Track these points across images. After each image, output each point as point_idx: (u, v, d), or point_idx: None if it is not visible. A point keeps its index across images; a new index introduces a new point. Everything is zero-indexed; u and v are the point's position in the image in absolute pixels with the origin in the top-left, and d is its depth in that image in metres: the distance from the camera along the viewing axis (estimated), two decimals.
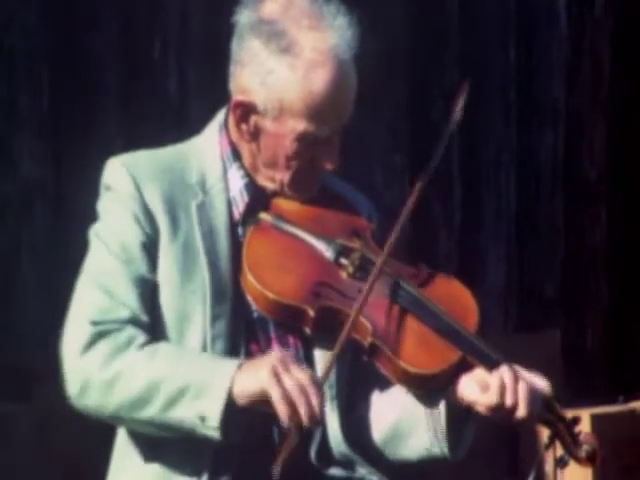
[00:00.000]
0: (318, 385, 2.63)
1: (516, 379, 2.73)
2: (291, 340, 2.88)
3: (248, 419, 2.68)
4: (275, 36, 2.80)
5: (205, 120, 2.98)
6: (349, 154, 2.90)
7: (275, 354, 2.69)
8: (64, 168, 3.62)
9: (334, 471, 2.87)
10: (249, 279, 2.80)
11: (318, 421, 2.64)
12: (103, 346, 2.72)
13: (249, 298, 2.83)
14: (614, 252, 5.17)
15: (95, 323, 2.73)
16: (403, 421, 2.88)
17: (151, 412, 2.70)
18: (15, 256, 3.63)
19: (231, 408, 2.65)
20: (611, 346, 5.04)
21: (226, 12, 2.85)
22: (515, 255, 4.85)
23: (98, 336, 2.72)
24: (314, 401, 2.61)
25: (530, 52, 4.97)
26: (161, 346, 2.76)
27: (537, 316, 4.79)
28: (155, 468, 2.79)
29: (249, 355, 2.83)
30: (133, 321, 2.76)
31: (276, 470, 2.61)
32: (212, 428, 2.66)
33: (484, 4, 4.88)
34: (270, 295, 2.78)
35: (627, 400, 4.14)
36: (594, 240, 5.08)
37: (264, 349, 2.85)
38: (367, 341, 2.76)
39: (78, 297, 2.81)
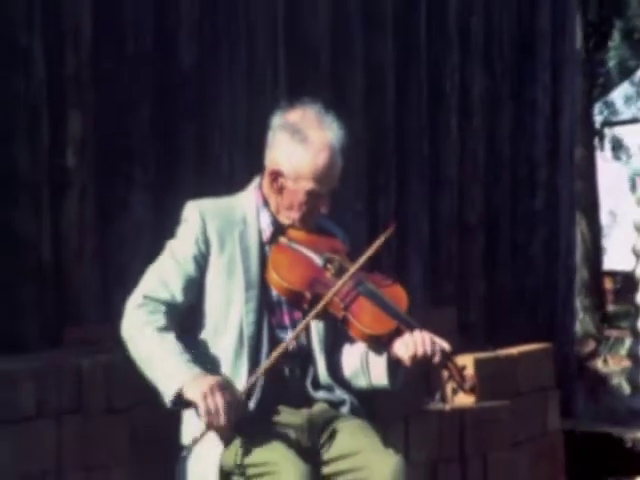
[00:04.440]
0: (229, 404, 2.58)
1: (424, 337, 2.73)
2: (295, 314, 2.83)
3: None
4: (297, 132, 2.83)
5: (244, 184, 2.98)
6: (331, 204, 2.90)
7: (213, 380, 2.61)
8: (162, 214, 3.52)
9: (321, 393, 2.83)
10: (273, 275, 2.78)
11: (223, 428, 2.61)
12: (143, 313, 2.70)
13: (272, 287, 2.81)
14: (488, 265, 5.10)
15: (145, 297, 2.72)
16: (359, 366, 2.85)
17: (147, 373, 2.67)
18: (131, 273, 3.59)
19: (179, 397, 2.61)
20: (485, 319, 5.00)
21: (261, 117, 2.89)
22: (428, 265, 4.78)
23: (144, 305, 2.71)
24: (219, 419, 2.57)
25: (435, 146, 4.90)
26: (168, 336, 2.69)
27: (441, 299, 4.72)
28: None
29: (270, 323, 2.81)
30: (169, 302, 2.73)
31: (192, 444, 2.61)
32: (166, 404, 2.64)
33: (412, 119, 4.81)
34: (285, 284, 2.77)
35: (494, 349, 4.13)
36: (476, 258, 5.02)
37: (279, 319, 2.83)
38: (341, 314, 2.77)
39: (145, 276, 2.79)
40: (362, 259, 2.80)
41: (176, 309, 2.74)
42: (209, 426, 2.58)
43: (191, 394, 2.59)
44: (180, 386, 2.60)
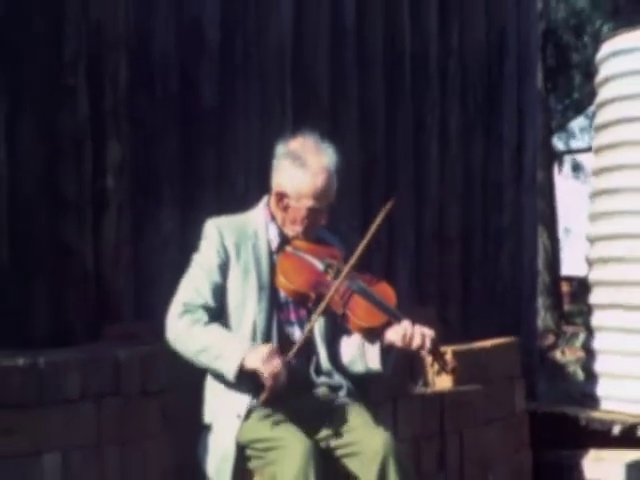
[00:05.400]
0: (284, 366, 2.59)
1: (414, 326, 2.73)
2: (300, 312, 2.82)
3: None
4: (297, 159, 2.82)
5: (255, 202, 2.98)
6: (329, 217, 2.89)
7: (267, 347, 2.62)
8: (187, 228, 3.47)
9: (322, 379, 2.82)
10: (281, 279, 2.78)
11: (282, 386, 2.59)
12: (187, 318, 2.69)
13: (280, 290, 2.80)
14: (464, 271, 4.97)
15: (185, 304, 2.71)
16: (357, 354, 2.84)
17: (204, 361, 2.67)
18: (161, 279, 3.53)
19: (240, 370, 2.62)
20: (462, 316, 4.91)
21: (272, 144, 2.89)
22: (413, 270, 4.72)
23: (185, 312, 2.70)
24: (280, 378, 2.58)
25: (419, 170, 4.79)
26: (214, 326, 2.69)
27: (424, 299, 4.67)
28: (222, 386, 2.73)
29: (278, 320, 2.80)
30: (205, 306, 2.72)
31: (259, 403, 2.62)
32: (230, 378, 2.64)
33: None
34: (292, 287, 2.77)
35: (470, 342, 4.12)
36: (453, 265, 4.92)
37: (286, 315, 2.82)
38: (341, 310, 2.77)
39: (180, 288, 2.77)
40: (368, 235, 2.75)
41: (211, 311, 2.73)
42: (273, 386, 2.56)
43: (252, 363, 2.59)
44: (240, 360, 2.60)
